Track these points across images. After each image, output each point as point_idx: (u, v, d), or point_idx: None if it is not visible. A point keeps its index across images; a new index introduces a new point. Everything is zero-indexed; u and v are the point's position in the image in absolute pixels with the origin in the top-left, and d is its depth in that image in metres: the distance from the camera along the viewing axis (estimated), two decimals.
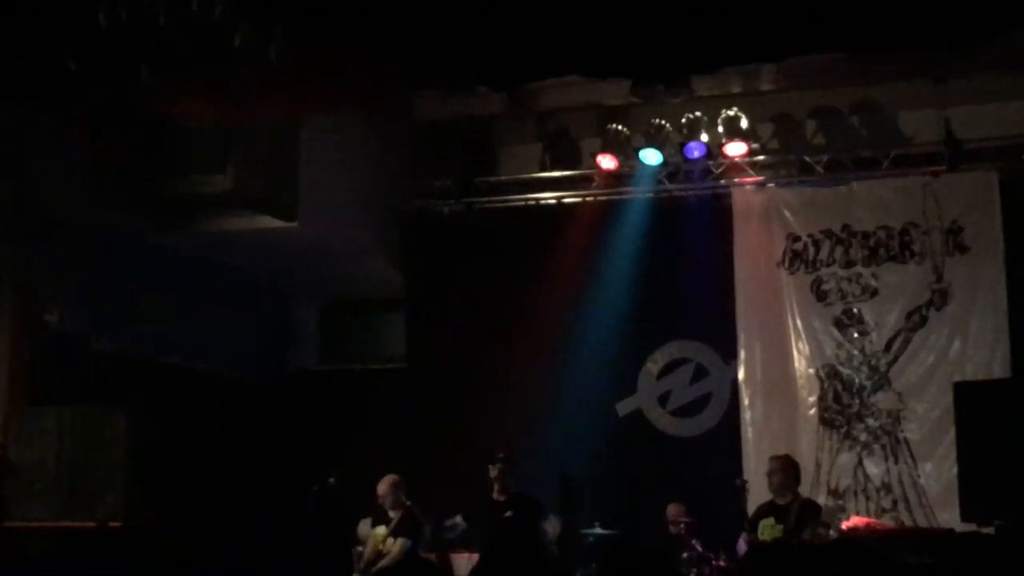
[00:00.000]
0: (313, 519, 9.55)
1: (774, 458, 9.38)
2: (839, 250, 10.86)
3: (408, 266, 12.12)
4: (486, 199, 11.88)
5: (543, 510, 8.72)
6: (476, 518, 9.18)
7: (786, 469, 9.16)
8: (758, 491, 9.40)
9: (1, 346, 9.54)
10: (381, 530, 9.56)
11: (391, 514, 9.58)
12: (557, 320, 11.19)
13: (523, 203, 11.82)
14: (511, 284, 11.45)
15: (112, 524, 8.86)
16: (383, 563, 9.15)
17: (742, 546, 8.99)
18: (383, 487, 9.58)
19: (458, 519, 9.45)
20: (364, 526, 9.90)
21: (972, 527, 8.43)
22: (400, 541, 9.41)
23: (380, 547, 9.45)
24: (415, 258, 12.09)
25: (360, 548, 9.72)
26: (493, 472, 9.27)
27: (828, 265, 10.86)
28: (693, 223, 11.18)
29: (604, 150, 11.33)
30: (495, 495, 9.24)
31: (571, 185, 11.71)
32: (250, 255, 11.54)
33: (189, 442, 9.95)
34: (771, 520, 8.93)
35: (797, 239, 10.99)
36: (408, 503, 9.57)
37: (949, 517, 9.48)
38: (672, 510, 10.20)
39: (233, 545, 8.96)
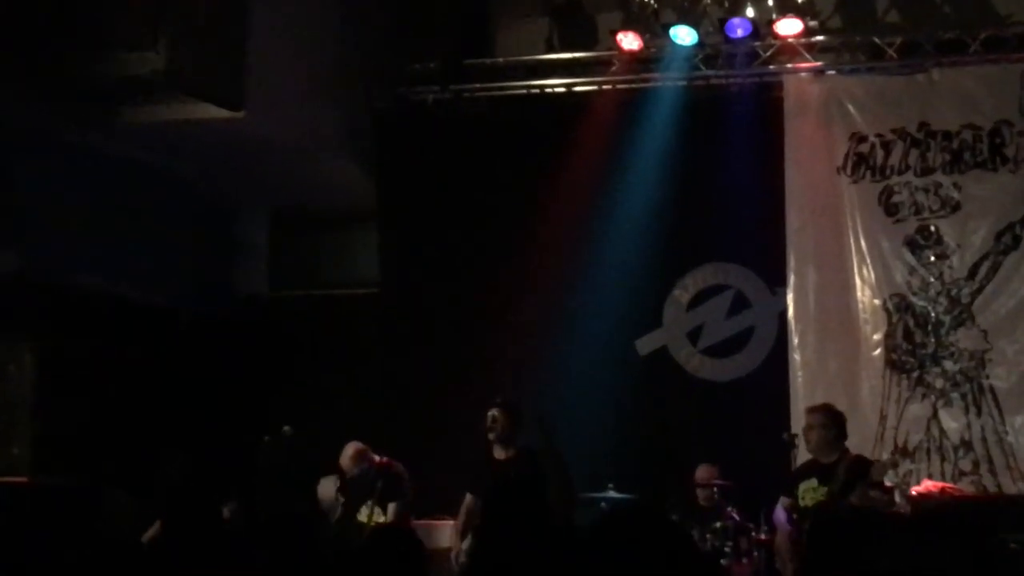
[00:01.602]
0: (264, 477, 9.49)
1: (811, 411, 9.35)
2: (914, 154, 10.85)
3: (382, 169, 12.10)
4: (479, 86, 11.83)
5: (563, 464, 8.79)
6: (475, 483, 9.17)
7: (826, 423, 9.10)
8: None
9: None
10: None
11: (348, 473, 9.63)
12: (565, 236, 11.27)
13: (525, 92, 11.78)
14: (509, 192, 11.49)
15: (15, 481, 8.85)
16: None
17: (780, 514, 9.04)
18: (347, 462, 9.63)
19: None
20: (327, 486, 9.91)
21: None
22: (392, 507, 9.47)
23: (370, 520, 9.50)
24: (390, 159, 12.05)
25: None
26: (488, 422, 9.23)
27: (900, 172, 10.85)
28: (734, 119, 11.16)
29: (626, 27, 11.36)
30: (495, 452, 9.24)
31: (585, 70, 11.75)
32: (186, 154, 11.50)
33: (110, 384, 9.95)
34: (813, 482, 8.91)
35: (863, 140, 10.98)
36: (381, 460, 9.59)
37: None
38: (703, 472, 10.28)
39: (165, 509, 8.94)
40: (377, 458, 9.63)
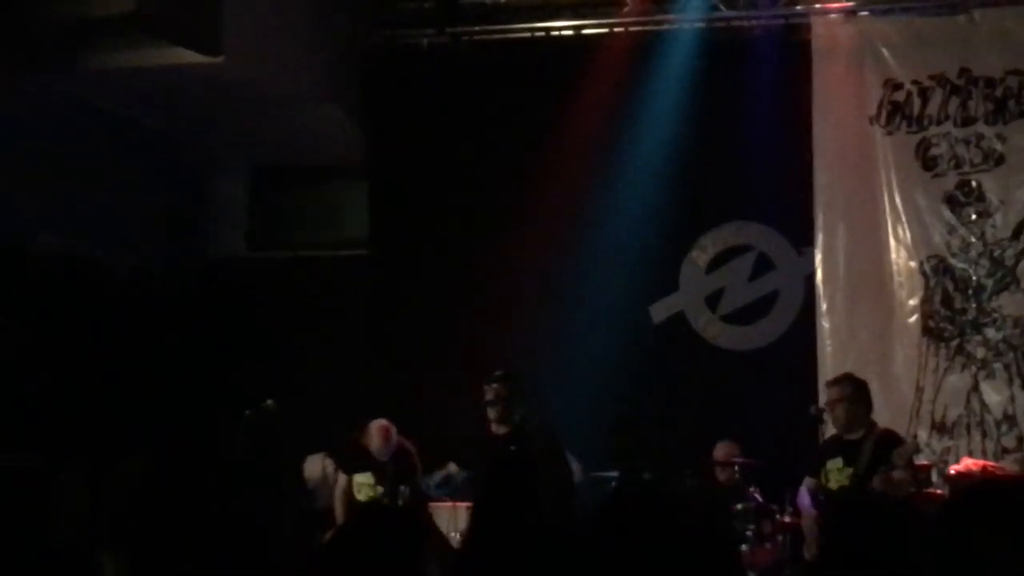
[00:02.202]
0: (245, 454, 9.50)
1: (834, 383, 9.28)
2: (954, 102, 10.81)
3: (371, 119, 12.12)
4: (478, 29, 11.82)
5: (559, 445, 8.83)
6: (470, 460, 9.24)
7: (853, 396, 9.01)
8: None
9: None
10: (365, 478, 9.73)
11: (378, 457, 9.74)
12: (572, 193, 11.23)
13: (529, 34, 11.74)
14: (511, 145, 11.48)
15: None
16: None
17: (804, 497, 8.99)
18: (379, 439, 9.70)
19: (451, 468, 9.52)
20: (314, 464, 9.90)
21: None
22: (405, 490, 9.57)
23: (370, 495, 9.63)
24: (381, 106, 12.06)
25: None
26: (489, 395, 9.19)
27: (939, 123, 10.83)
28: (757, 65, 11.17)
29: None
30: (493, 427, 9.20)
31: (593, 11, 11.70)
32: (159, 103, 11.48)
33: (74, 352, 9.90)
34: (839, 461, 8.84)
35: (898, 87, 10.94)
36: (400, 439, 9.76)
37: None
38: (722, 449, 10.32)
39: (135, 490, 8.91)
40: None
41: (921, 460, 9.81)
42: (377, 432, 9.73)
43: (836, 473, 8.78)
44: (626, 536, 2.88)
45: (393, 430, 9.74)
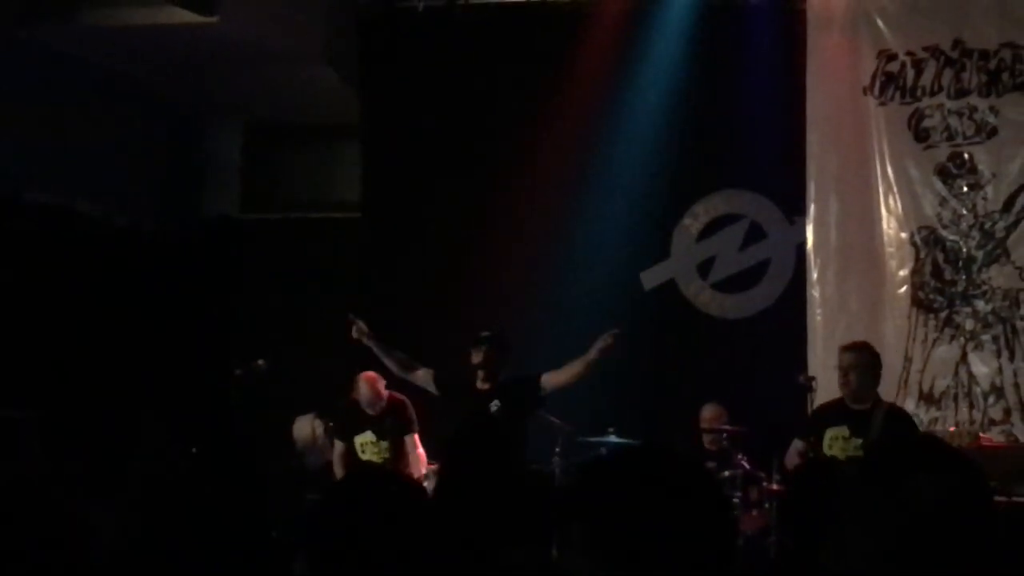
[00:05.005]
0: (235, 414, 9.60)
1: (848, 349, 9.10)
2: (948, 74, 10.71)
3: (366, 80, 12.00)
4: None
5: (542, 401, 8.95)
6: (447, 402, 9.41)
7: (866, 364, 8.88)
8: (828, 391, 9.25)
9: None
10: (366, 437, 9.78)
11: (369, 411, 9.79)
12: (565, 159, 11.22)
13: None
14: (505, 109, 11.45)
15: None
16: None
17: (793, 457, 8.91)
18: (368, 391, 9.76)
19: None
20: (303, 425, 9.91)
21: None
22: (408, 440, 9.75)
23: (375, 456, 9.70)
24: (376, 69, 11.95)
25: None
26: (477, 357, 9.19)
27: (932, 94, 10.71)
28: (752, 32, 11.13)
29: None
30: (479, 383, 9.23)
31: None
32: (153, 61, 11.49)
33: (63, 312, 9.88)
34: (844, 430, 8.66)
35: (892, 58, 10.83)
36: (391, 393, 9.85)
37: None
38: (709, 413, 10.27)
39: (125, 451, 8.92)
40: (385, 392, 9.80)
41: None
42: (365, 382, 9.77)
43: (840, 443, 8.60)
44: (619, 490, 2.85)
45: (382, 382, 9.77)
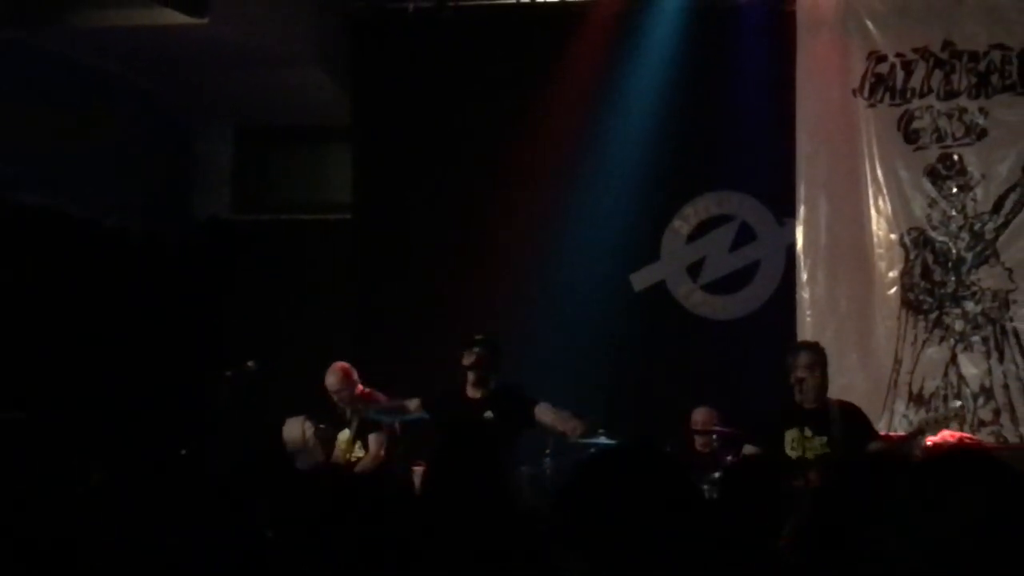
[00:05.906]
0: (225, 416, 9.57)
1: (805, 348, 8.90)
2: (937, 75, 10.72)
3: (357, 82, 12.03)
4: None
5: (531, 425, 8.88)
6: (439, 418, 9.23)
7: (824, 362, 8.72)
8: None
9: None
10: (344, 435, 9.69)
11: (348, 412, 9.67)
12: (556, 160, 11.22)
13: (514, 1, 11.69)
14: (496, 111, 11.42)
15: None
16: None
17: None
18: (334, 379, 9.62)
19: (412, 404, 9.37)
20: (293, 427, 9.95)
21: None
22: (374, 438, 9.58)
23: (348, 456, 9.59)
24: (367, 70, 11.97)
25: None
26: (468, 359, 9.09)
27: (922, 95, 10.73)
28: (742, 34, 11.14)
29: None
30: (469, 390, 9.12)
31: None
32: (143, 63, 11.48)
33: (54, 312, 9.86)
34: (803, 430, 8.45)
35: (882, 59, 10.84)
36: (367, 390, 9.68)
37: None
38: (701, 415, 10.22)
39: (115, 451, 8.90)
40: (359, 387, 9.68)
41: (899, 432, 9.82)
42: (333, 371, 9.65)
43: (801, 442, 8.41)
44: (610, 492, 2.84)
45: (354, 373, 9.67)
